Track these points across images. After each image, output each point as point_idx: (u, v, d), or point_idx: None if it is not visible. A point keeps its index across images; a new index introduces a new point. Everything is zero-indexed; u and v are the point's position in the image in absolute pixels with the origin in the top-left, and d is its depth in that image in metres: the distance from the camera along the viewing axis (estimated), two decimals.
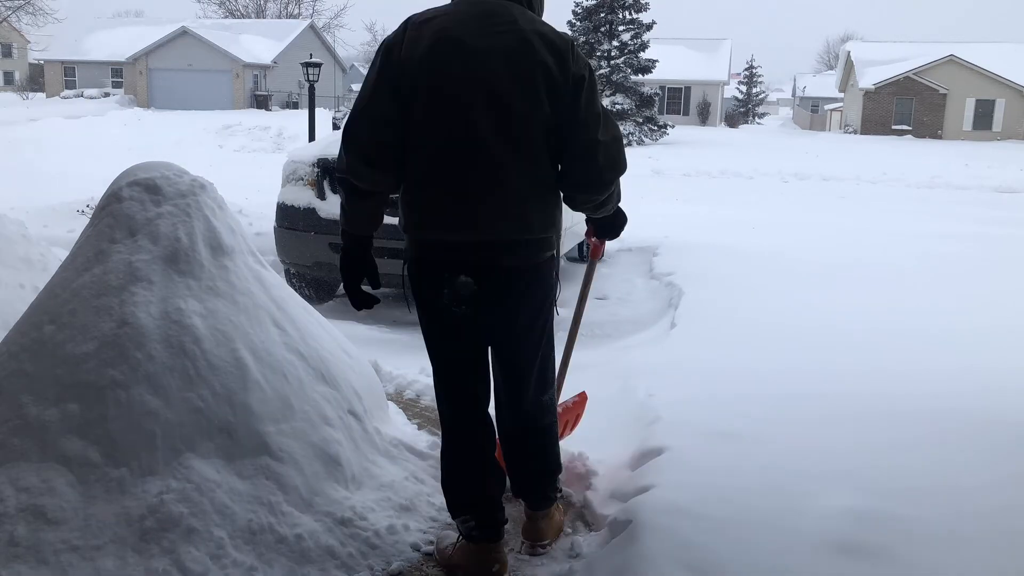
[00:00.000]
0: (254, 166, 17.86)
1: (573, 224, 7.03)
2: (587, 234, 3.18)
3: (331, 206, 5.94)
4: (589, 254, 3.41)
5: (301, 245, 6.06)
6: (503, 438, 2.87)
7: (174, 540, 2.56)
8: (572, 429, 3.57)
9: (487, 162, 2.45)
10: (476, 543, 2.76)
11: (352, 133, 2.48)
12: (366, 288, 2.71)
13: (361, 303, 2.72)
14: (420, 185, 2.52)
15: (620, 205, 2.88)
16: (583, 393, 3.63)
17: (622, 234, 3.05)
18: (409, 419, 4.02)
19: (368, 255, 2.70)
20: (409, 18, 2.53)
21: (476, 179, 2.46)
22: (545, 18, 2.69)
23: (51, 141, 23.40)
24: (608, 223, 2.97)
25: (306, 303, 3.55)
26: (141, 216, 3.04)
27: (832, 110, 56.17)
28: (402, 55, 2.44)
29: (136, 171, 3.17)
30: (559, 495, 3.05)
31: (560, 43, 2.49)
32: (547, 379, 2.82)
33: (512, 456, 2.90)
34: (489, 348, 2.75)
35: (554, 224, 2.62)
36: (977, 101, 41.93)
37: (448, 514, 2.88)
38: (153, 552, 2.53)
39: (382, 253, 5.83)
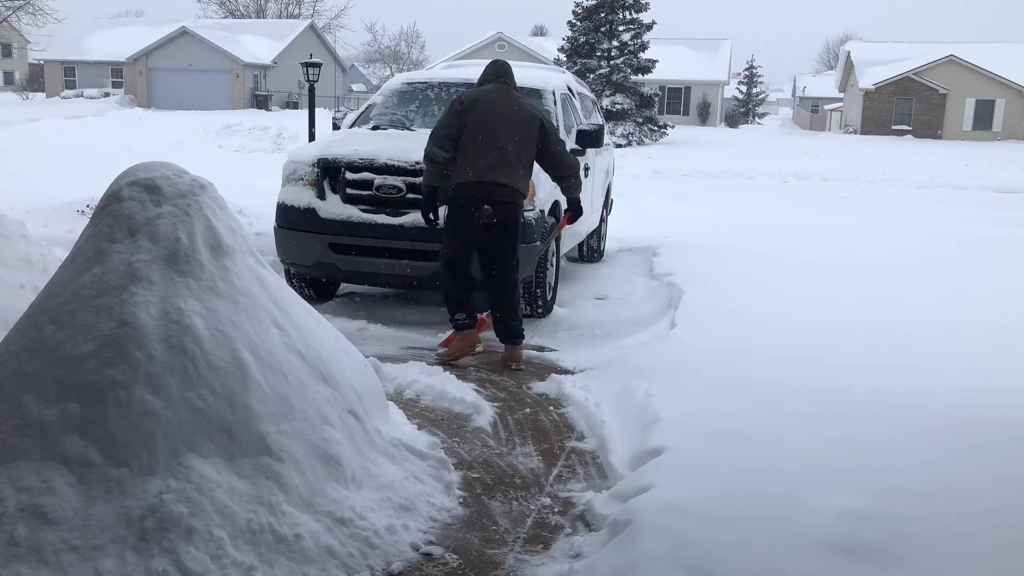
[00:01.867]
0: (254, 166, 17.85)
1: (573, 224, 7.01)
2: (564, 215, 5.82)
3: (331, 206, 5.94)
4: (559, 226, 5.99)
5: (301, 245, 6.06)
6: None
7: (174, 540, 2.56)
8: None
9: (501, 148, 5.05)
10: (462, 330, 5.23)
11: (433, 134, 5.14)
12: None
13: (430, 224, 5.26)
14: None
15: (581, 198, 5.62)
16: None
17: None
18: (409, 419, 4.02)
19: (435, 197, 5.20)
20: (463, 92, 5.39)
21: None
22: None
23: (51, 141, 23.39)
24: (575, 203, 5.56)
25: (306, 303, 3.55)
26: (141, 216, 3.04)
27: (832, 110, 56.13)
28: (464, 100, 5.13)
29: (136, 171, 3.17)
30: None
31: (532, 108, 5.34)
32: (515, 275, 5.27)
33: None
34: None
35: (524, 189, 5.17)
36: (977, 101, 41.90)
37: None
38: (153, 552, 2.53)
39: (382, 253, 5.86)
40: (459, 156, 5.04)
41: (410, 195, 5.84)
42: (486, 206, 4.96)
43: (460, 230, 5.10)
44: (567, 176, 5.37)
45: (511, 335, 5.21)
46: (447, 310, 5.30)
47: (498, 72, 5.36)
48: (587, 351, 5.46)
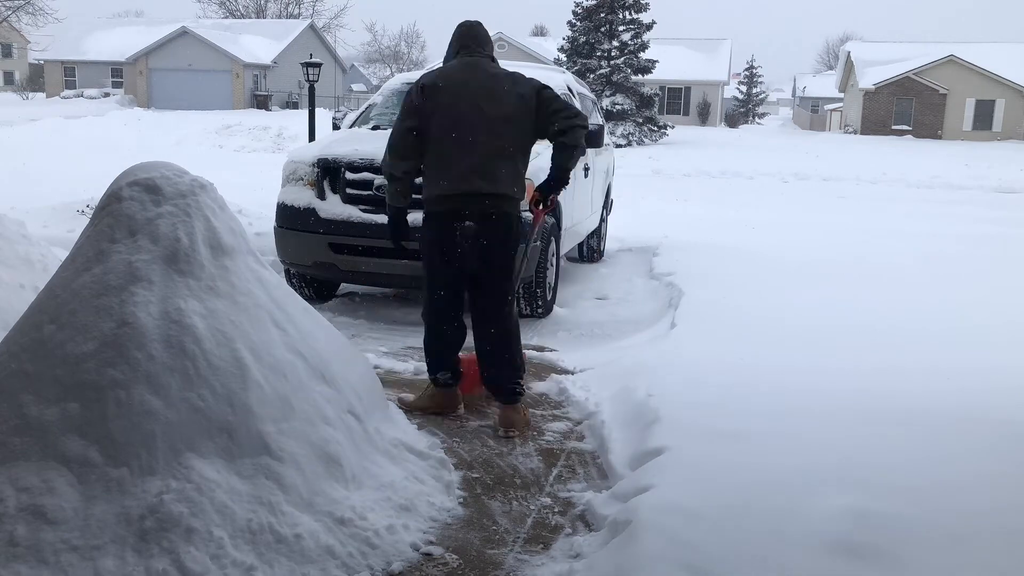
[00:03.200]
0: (254, 166, 17.86)
1: (573, 224, 7.02)
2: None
3: (331, 206, 5.94)
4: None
5: (301, 245, 6.06)
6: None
7: (174, 540, 2.56)
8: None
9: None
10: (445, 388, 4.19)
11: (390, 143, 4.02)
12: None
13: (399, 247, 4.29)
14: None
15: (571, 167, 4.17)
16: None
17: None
18: (409, 419, 4.02)
19: (403, 219, 4.21)
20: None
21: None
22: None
23: (51, 141, 23.39)
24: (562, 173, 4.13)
25: (306, 303, 3.56)
26: (141, 216, 3.04)
27: (832, 110, 56.14)
28: (424, 88, 3.93)
29: (136, 171, 3.17)
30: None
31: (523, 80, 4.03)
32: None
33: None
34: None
35: (516, 192, 4.03)
36: (977, 101, 41.90)
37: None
38: (153, 552, 2.53)
39: (382, 253, 5.86)
40: (426, 163, 3.98)
41: None
42: (467, 223, 3.89)
43: (439, 261, 4.01)
44: (573, 127, 3.99)
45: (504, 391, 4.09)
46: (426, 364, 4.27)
47: (465, 38, 4.09)
48: (587, 351, 5.46)
